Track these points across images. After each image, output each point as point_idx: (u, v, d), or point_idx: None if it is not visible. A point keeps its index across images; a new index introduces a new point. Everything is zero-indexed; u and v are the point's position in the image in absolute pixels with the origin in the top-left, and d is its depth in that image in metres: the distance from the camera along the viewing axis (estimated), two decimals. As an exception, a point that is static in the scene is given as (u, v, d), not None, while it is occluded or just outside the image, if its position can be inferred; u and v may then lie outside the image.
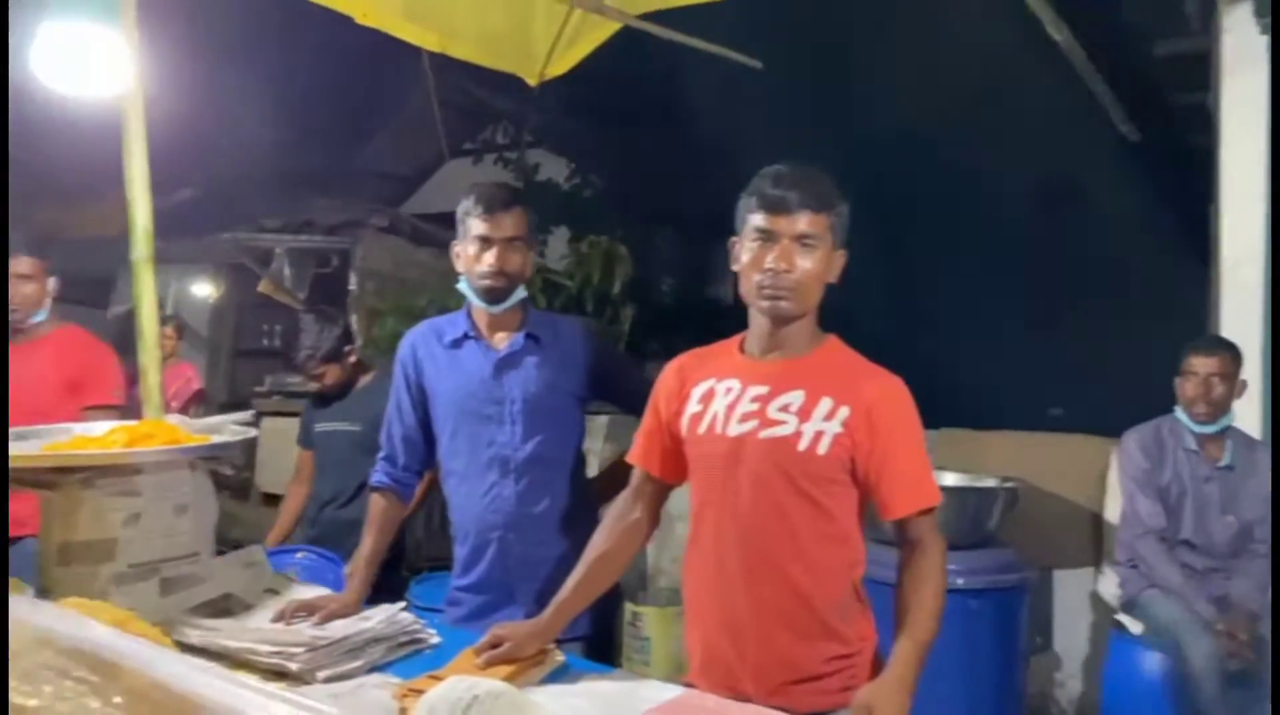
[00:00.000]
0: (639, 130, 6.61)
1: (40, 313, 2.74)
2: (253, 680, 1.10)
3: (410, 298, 5.01)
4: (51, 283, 2.75)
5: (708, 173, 6.20)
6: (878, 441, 1.53)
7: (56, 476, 1.77)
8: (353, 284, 5.77)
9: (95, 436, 1.95)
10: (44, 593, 1.71)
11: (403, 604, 1.97)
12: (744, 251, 1.57)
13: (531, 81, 3.65)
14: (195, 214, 5.00)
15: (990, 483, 3.02)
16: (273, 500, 5.05)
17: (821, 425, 1.53)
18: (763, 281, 1.54)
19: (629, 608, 3.94)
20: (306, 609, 1.89)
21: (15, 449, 1.95)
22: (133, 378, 2.87)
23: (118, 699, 1.12)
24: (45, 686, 1.16)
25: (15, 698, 1.15)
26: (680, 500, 4.27)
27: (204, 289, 6.22)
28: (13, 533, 2.51)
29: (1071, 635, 3.24)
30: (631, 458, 1.73)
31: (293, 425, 4.94)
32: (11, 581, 1.78)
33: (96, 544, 1.79)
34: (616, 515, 1.73)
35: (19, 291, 2.68)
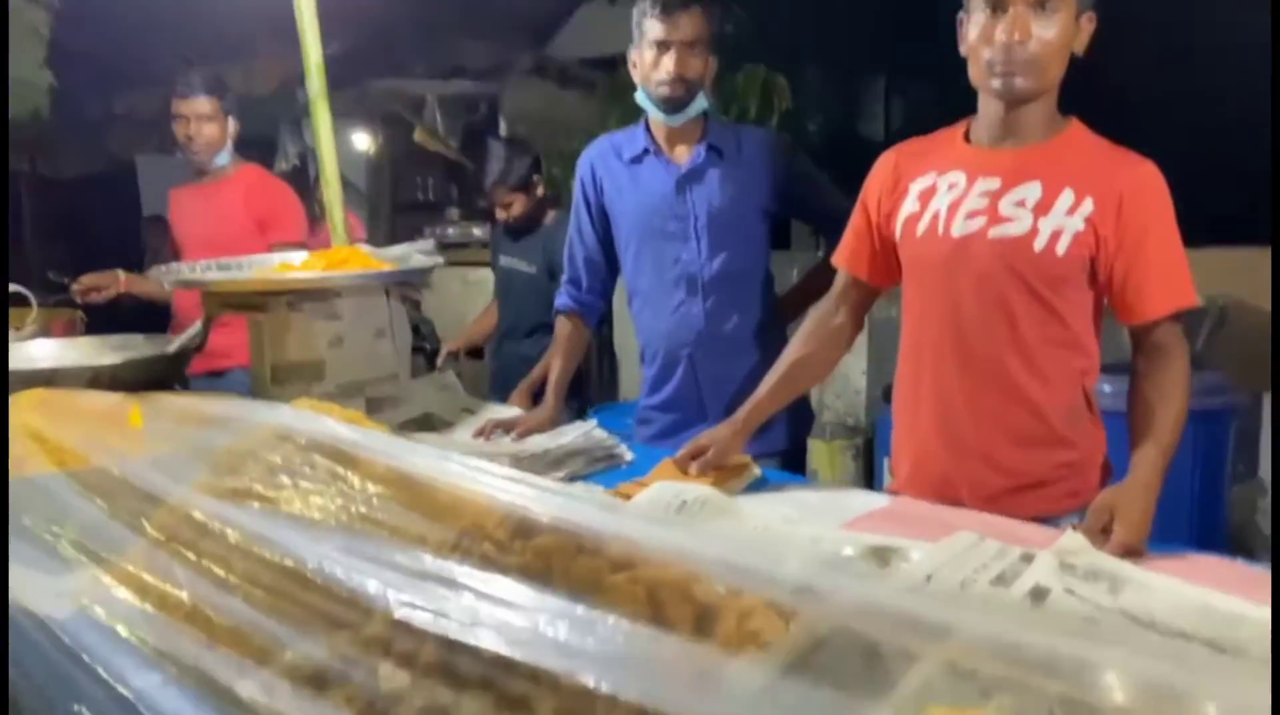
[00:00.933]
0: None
1: (223, 154, 2.81)
2: (485, 463, 1.11)
3: (561, 141, 4.94)
4: (231, 124, 2.80)
5: (859, 4, 5.73)
6: (1127, 236, 1.37)
7: (265, 299, 1.84)
8: (503, 129, 5.74)
9: (295, 264, 2.01)
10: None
11: (595, 422, 2.00)
12: (970, 27, 1.39)
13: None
14: (344, 66, 5.01)
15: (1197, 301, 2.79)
16: (436, 343, 5.25)
17: (1061, 221, 1.38)
18: (993, 58, 1.36)
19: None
20: (504, 426, 1.94)
21: (222, 277, 2.04)
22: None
23: (357, 485, 1.16)
24: (284, 477, 1.22)
25: (264, 489, 1.21)
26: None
27: (361, 141, 6.31)
28: (216, 365, 2.66)
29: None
30: (837, 260, 1.64)
31: (452, 274, 5.05)
32: (232, 395, 1.88)
33: (306, 365, 1.86)
34: (818, 319, 1.66)
35: (201, 132, 2.74)
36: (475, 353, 3.67)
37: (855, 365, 4.08)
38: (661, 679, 0.78)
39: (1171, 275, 1.40)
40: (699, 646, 0.84)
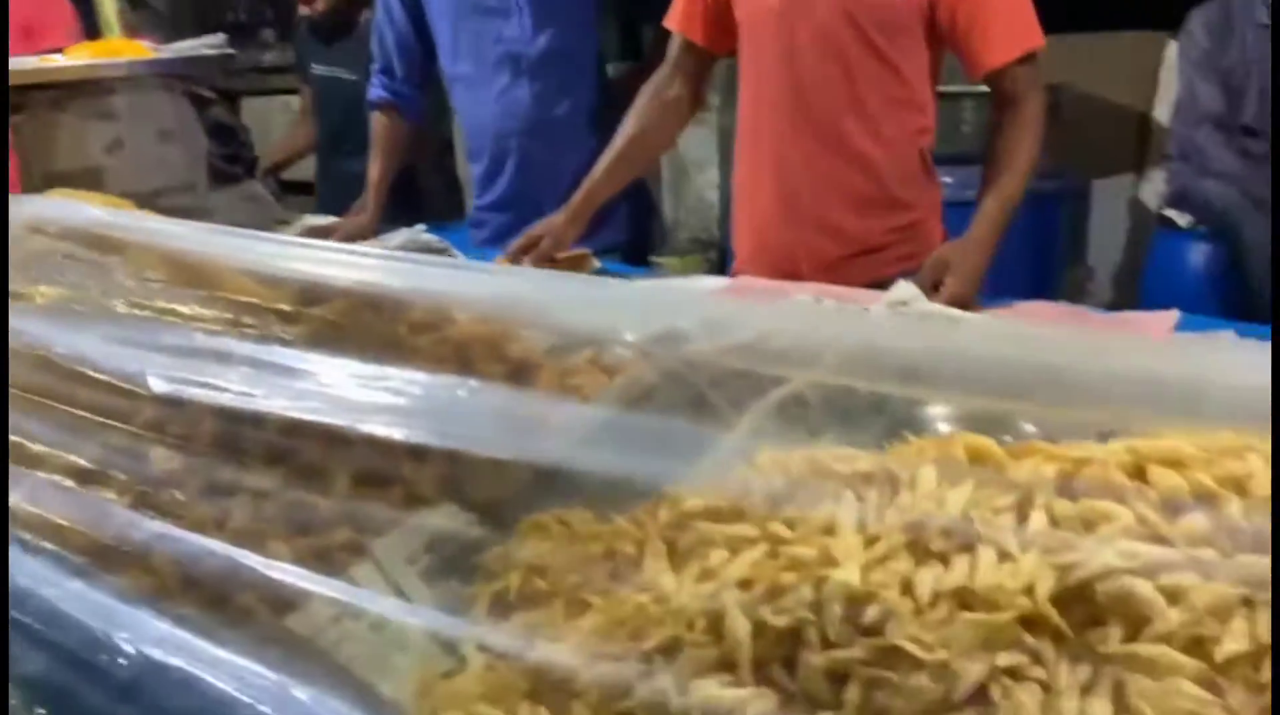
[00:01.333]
0: None
1: (-35, -56, 2.40)
2: (268, 233, 0.99)
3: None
4: None
5: None
6: None
7: (23, 98, 1.59)
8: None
9: (58, 60, 1.74)
10: (37, 230, 1.58)
11: (423, 227, 1.87)
12: None
13: None
14: None
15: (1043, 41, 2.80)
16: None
17: None
18: None
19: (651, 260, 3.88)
20: (321, 233, 1.79)
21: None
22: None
23: (122, 272, 1.01)
24: (36, 271, 1.06)
25: (15, 286, 1.05)
26: (697, 147, 4.01)
27: (152, -48, 5.62)
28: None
29: (1106, 246, 3.17)
30: (669, 22, 1.52)
31: (272, 103, 4.62)
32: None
33: (80, 174, 1.64)
34: (653, 92, 1.55)
35: None
36: (306, 188, 3.39)
37: (706, 179, 4.01)
38: (476, 426, 0.70)
39: (1016, 17, 1.35)
40: (516, 396, 0.77)
